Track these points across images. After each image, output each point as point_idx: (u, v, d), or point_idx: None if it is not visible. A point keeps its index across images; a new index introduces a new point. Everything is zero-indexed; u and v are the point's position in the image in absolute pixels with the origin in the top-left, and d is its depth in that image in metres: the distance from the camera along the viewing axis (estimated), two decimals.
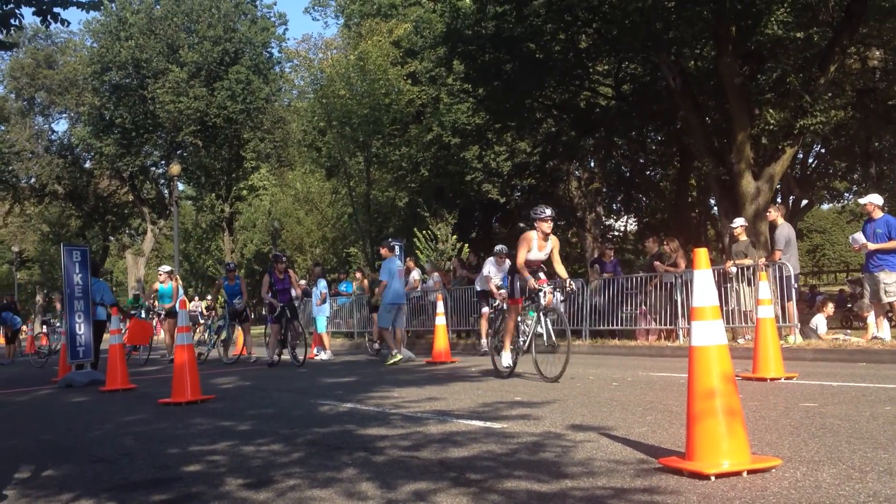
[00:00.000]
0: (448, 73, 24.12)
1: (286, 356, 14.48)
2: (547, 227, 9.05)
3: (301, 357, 14.06)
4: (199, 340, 16.92)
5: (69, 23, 12.49)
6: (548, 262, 9.35)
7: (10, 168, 45.85)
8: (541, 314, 9.10)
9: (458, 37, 20.53)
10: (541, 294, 8.96)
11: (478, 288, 15.20)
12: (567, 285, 9.04)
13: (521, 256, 9.11)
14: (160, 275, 16.74)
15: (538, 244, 9.15)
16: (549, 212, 9.06)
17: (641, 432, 5.25)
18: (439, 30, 23.57)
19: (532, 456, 4.64)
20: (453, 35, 20.84)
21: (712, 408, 3.96)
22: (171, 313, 15.93)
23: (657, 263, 14.80)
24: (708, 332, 4.12)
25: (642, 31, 16.63)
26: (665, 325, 14.07)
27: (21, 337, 20.38)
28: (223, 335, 15.87)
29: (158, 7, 40.59)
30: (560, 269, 9.21)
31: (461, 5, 22.17)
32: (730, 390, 4.00)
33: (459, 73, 22.56)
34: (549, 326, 9.09)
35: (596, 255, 20.21)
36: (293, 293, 14.43)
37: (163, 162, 43.67)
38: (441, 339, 13.12)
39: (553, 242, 9.24)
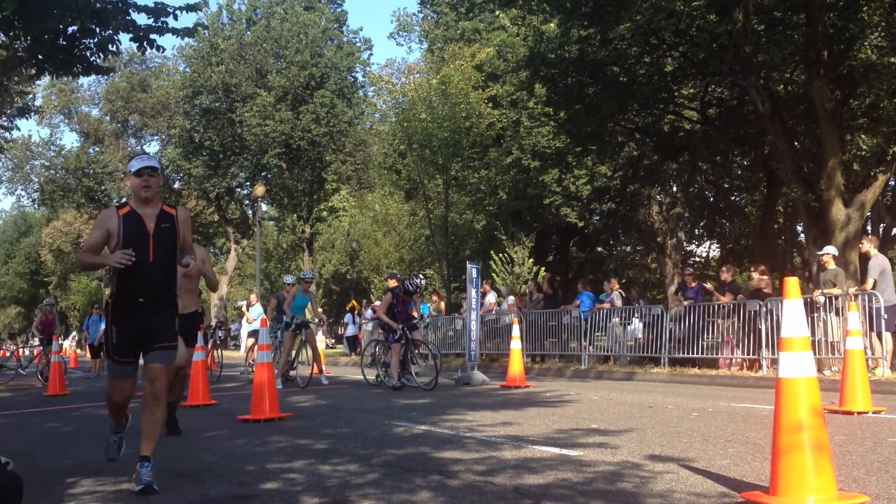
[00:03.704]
0: (529, 97, 24.08)
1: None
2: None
3: (426, 380, 12.84)
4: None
5: (164, 49, 12.91)
6: None
7: (103, 188, 47.61)
8: None
9: (541, 60, 20.46)
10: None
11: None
12: None
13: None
14: (293, 286, 15.06)
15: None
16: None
17: (723, 465, 5.10)
18: (522, 53, 23.56)
19: (609, 485, 4.54)
20: (536, 59, 20.78)
21: (799, 442, 3.83)
22: (306, 324, 14.72)
23: (727, 296, 14.48)
24: (797, 364, 3.99)
25: (730, 55, 16.33)
26: (748, 354, 13.69)
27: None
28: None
29: (249, 33, 41.75)
30: None
31: (545, 29, 22.16)
32: (818, 424, 3.86)
33: (541, 96, 22.49)
34: None
35: (678, 282, 19.86)
36: (413, 315, 13.30)
37: (248, 183, 44.72)
38: (516, 363, 13.01)
39: None
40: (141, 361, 5.23)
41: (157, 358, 5.14)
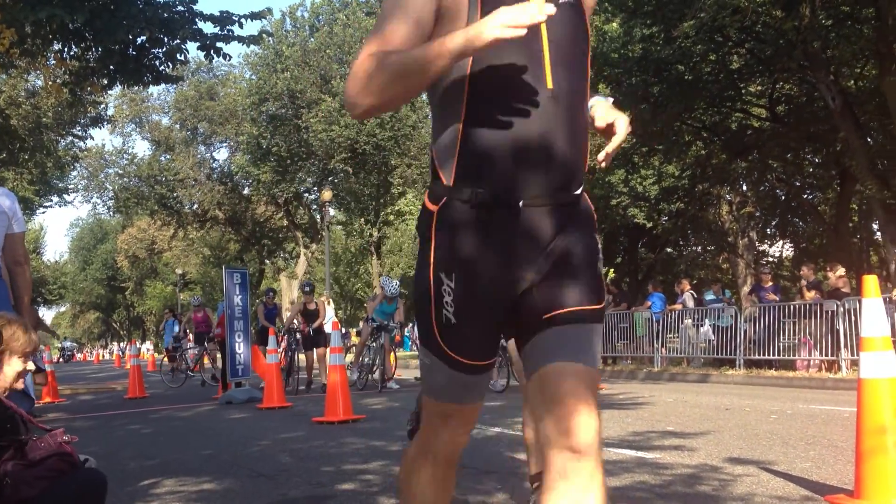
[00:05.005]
0: None
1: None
2: None
3: (500, 382, 12.59)
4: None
5: (230, 57, 13.25)
6: None
7: (175, 195, 48.71)
8: None
9: (604, 60, 20.36)
10: None
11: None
12: None
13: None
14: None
15: None
16: None
17: (804, 468, 5.03)
18: None
19: (688, 489, 4.52)
20: (599, 58, 20.66)
21: (883, 444, 3.77)
22: (388, 329, 14.66)
23: (812, 292, 14.20)
24: (878, 364, 3.92)
25: (798, 51, 16.03)
26: (826, 355, 13.40)
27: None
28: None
29: (312, 40, 42.32)
30: None
31: (607, 29, 22.02)
32: None
33: (605, 96, 22.35)
34: None
35: (751, 282, 19.54)
36: None
37: (315, 188, 45.30)
38: None
39: None
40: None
41: (566, 346, 1.85)
